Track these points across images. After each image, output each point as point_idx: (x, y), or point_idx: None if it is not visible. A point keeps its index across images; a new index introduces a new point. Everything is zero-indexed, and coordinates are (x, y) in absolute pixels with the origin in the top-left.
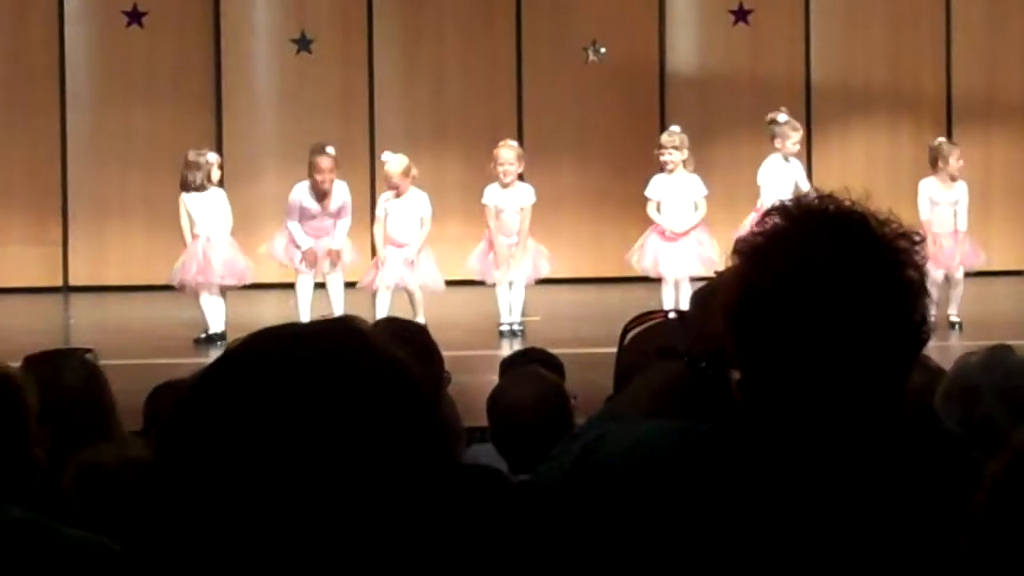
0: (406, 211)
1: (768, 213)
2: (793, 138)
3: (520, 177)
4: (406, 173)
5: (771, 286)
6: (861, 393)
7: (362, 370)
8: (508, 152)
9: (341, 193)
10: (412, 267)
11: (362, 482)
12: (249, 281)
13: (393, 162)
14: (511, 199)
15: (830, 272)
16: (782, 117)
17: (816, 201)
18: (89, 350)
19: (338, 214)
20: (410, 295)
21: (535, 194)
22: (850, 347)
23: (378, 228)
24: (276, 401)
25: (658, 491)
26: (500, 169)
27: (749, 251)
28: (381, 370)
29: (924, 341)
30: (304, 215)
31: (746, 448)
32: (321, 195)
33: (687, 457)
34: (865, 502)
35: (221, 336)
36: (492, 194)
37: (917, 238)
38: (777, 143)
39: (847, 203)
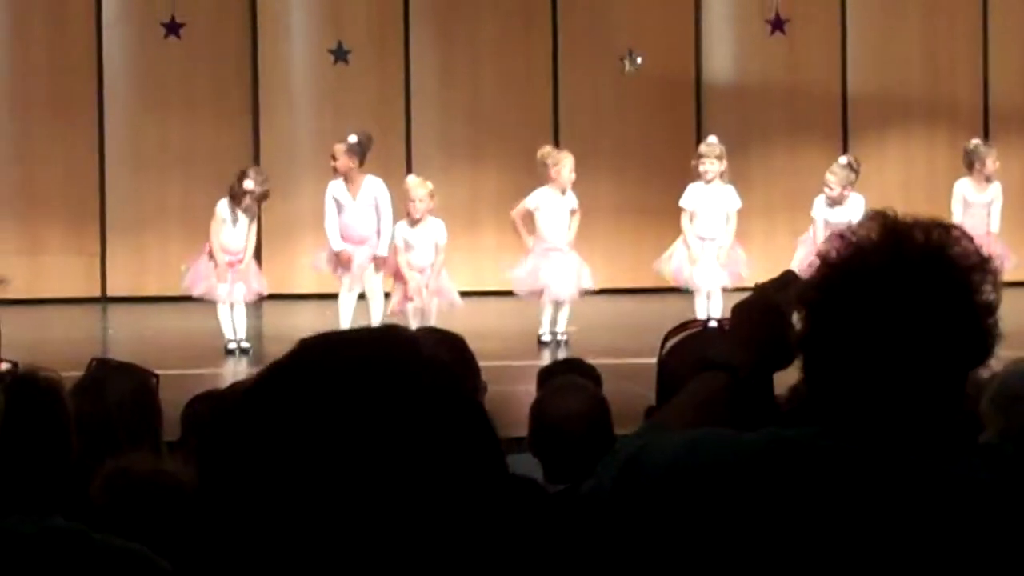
0: (424, 239)
1: (859, 224)
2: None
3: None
4: (432, 195)
5: (848, 300)
6: (922, 404)
7: (413, 377)
8: (569, 158)
9: (373, 187)
10: (429, 290)
11: (417, 491)
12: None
13: (417, 183)
14: (562, 203)
15: (905, 300)
16: (844, 160)
17: (906, 224)
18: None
19: (372, 209)
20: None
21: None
22: (916, 361)
23: (401, 259)
24: (327, 411)
25: (710, 497)
26: (560, 173)
27: (835, 261)
28: (432, 377)
29: (987, 357)
30: (340, 210)
31: (806, 454)
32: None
33: (741, 464)
34: (926, 511)
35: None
36: (539, 198)
37: (991, 264)
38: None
39: (934, 230)
